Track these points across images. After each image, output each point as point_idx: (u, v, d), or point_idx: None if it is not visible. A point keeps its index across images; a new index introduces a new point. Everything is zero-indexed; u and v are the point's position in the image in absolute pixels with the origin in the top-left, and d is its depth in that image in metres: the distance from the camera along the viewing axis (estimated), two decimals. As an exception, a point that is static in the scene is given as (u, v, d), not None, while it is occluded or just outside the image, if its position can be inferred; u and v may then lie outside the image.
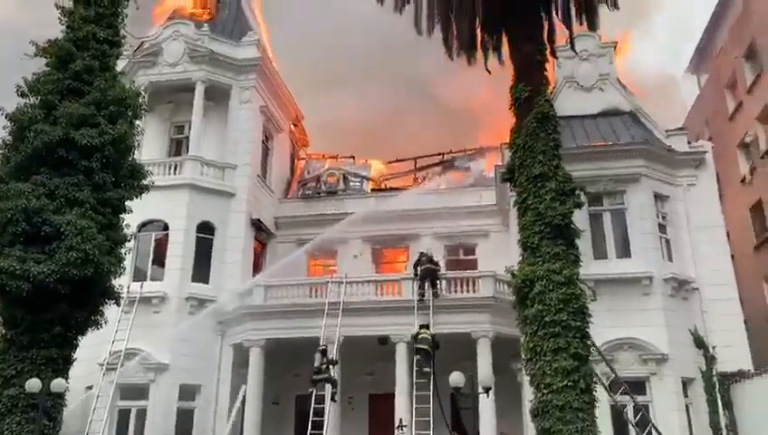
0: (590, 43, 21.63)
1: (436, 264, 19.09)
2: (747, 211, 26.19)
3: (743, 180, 26.42)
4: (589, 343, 10.40)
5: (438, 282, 18.61)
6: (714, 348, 17.99)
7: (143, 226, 21.19)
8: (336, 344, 18.37)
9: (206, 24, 24.53)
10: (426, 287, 18.48)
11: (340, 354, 18.77)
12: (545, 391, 10.00)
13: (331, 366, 17.21)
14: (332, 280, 19.64)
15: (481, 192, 24.42)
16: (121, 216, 14.12)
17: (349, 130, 42.90)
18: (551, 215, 10.60)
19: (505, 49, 13.13)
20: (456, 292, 19.20)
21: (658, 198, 19.35)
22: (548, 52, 12.91)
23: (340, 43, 44.20)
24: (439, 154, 27.97)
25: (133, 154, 13.82)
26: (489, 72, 13.61)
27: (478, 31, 13.41)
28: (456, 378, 12.23)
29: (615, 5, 12.83)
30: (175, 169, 22.20)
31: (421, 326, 17.25)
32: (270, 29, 29.01)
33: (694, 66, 32.48)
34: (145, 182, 13.97)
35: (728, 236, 28.20)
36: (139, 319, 19.55)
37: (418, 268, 18.84)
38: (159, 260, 21.18)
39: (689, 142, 20.39)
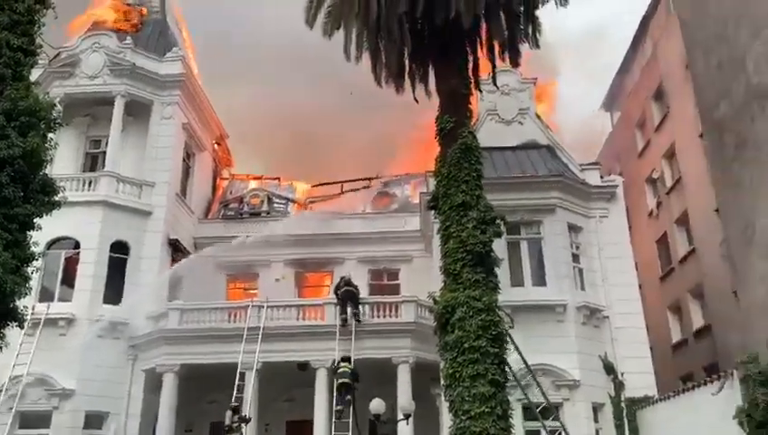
0: (511, 79, 22.46)
1: (356, 287, 19.02)
2: (654, 243, 27.70)
3: (650, 214, 27.95)
4: (507, 369, 10.62)
5: (360, 305, 18.55)
6: (622, 374, 18.71)
7: (53, 243, 20.26)
8: (254, 371, 17.97)
9: (129, 37, 23.83)
10: (348, 311, 18.38)
11: (258, 380, 18.44)
12: (463, 418, 10.12)
13: (243, 424, 16.43)
14: (253, 304, 19.25)
15: (405, 218, 24.69)
16: (29, 233, 13.36)
17: (278, 151, 42.54)
18: (472, 243, 10.86)
19: (432, 80, 13.44)
20: (378, 317, 19.24)
21: (572, 228, 20.14)
22: (473, 86, 13.31)
23: (265, 59, 43.91)
24: (366, 178, 28.16)
25: (45, 168, 13.17)
26: (417, 101, 13.91)
27: (406, 61, 13.71)
28: (376, 405, 12.21)
29: (536, 45, 13.40)
30: (89, 184, 21.32)
31: (342, 359, 17.04)
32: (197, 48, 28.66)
33: (607, 104, 34.29)
34: (57, 198, 13.31)
35: (637, 266, 29.98)
36: (44, 342, 18.61)
37: (338, 292, 18.77)
38: (69, 280, 20.23)
39: (602, 177, 21.38)
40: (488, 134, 21.76)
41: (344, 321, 18.24)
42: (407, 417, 12.54)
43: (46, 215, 12.89)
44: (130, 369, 19.68)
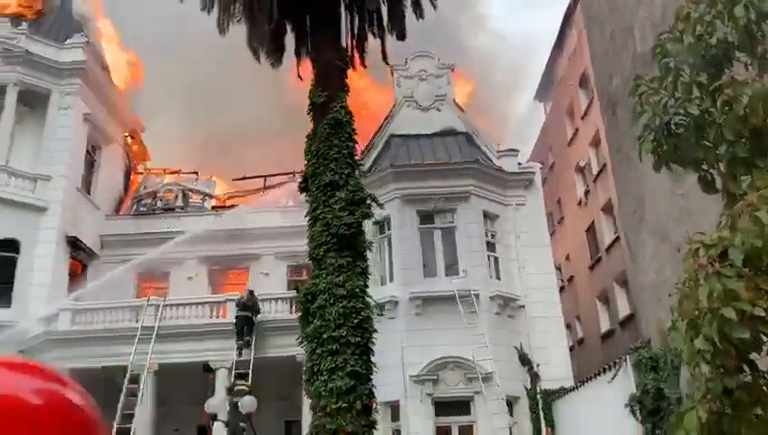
0: (428, 64, 21.85)
1: (253, 306, 17.69)
2: (584, 233, 27.31)
3: (579, 203, 27.56)
4: (370, 360, 9.74)
5: (254, 332, 17.35)
6: (538, 365, 18.12)
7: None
8: (145, 372, 16.80)
9: (24, 23, 22.38)
10: (243, 341, 17.19)
11: (158, 383, 17.31)
12: (319, 414, 9.22)
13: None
14: (149, 302, 18.07)
15: (325, 211, 23.70)
16: None
17: (203, 145, 41.12)
18: (336, 225, 9.96)
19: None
20: (292, 313, 18.25)
21: (487, 216, 19.49)
22: (356, 60, 12.44)
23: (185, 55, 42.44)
24: (290, 173, 27.09)
25: None
26: (301, 78, 13.00)
27: (284, 35, 12.80)
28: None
29: (421, 16, 12.59)
30: (-24, 179, 19.83)
31: (237, 376, 15.81)
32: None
33: (540, 94, 33.92)
34: None
35: (569, 257, 29.71)
36: None
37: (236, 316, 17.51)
38: (-49, 281, 18.72)
39: (519, 163, 20.78)
40: (405, 121, 21.16)
41: (240, 350, 17.09)
42: (247, 416, 11.57)
43: None
44: (19, 375, 18.25)
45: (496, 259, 19.31)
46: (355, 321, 9.51)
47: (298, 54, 13.03)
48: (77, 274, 21.63)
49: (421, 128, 20.98)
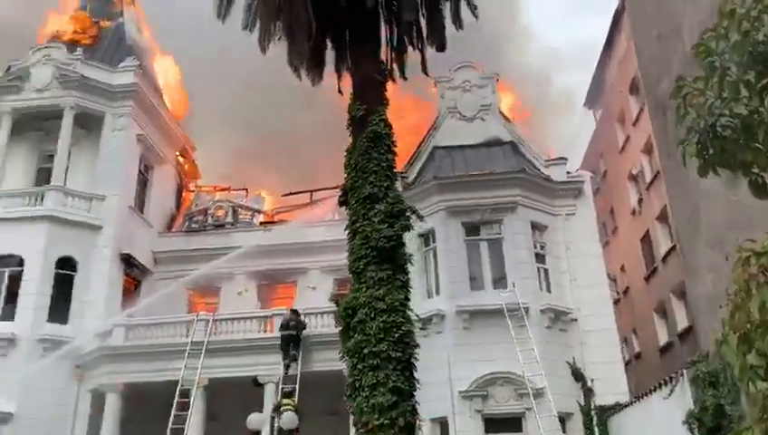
0: (472, 75, 21.64)
1: (299, 323, 17.69)
2: (639, 243, 26.44)
3: (633, 212, 26.72)
4: (413, 376, 9.55)
5: (300, 348, 17.32)
6: (592, 381, 17.51)
7: (-4, 260, 19.56)
8: (195, 387, 17.00)
9: (80, 49, 23.26)
10: (289, 356, 17.18)
11: (208, 397, 17.53)
12: (361, 431, 9.08)
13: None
14: (199, 318, 18.34)
15: (372, 224, 23.66)
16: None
17: (252, 161, 41.81)
18: (375, 238, 9.86)
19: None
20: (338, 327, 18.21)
21: (536, 227, 19.05)
22: (392, 73, 12.39)
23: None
24: (336, 187, 27.18)
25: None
26: (341, 93, 13.03)
27: (325, 50, 12.88)
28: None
29: (460, 26, 12.46)
30: (36, 199, 20.62)
31: (284, 394, 15.83)
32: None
33: (590, 101, 33.19)
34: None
35: (624, 268, 28.80)
36: (-16, 363, 17.79)
37: (282, 334, 17.54)
38: (13, 299, 19.42)
39: (568, 172, 20.28)
40: (449, 132, 20.97)
41: (287, 368, 17.09)
42: (289, 433, 11.47)
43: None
44: (76, 390, 18.81)
45: (546, 271, 18.83)
46: (396, 335, 9.35)
47: (338, 70, 13.07)
48: (131, 290, 22.19)
49: (466, 139, 20.74)
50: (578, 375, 17.60)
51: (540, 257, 18.90)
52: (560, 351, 17.68)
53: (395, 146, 11.07)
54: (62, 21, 25.97)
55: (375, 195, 10.30)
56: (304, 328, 17.72)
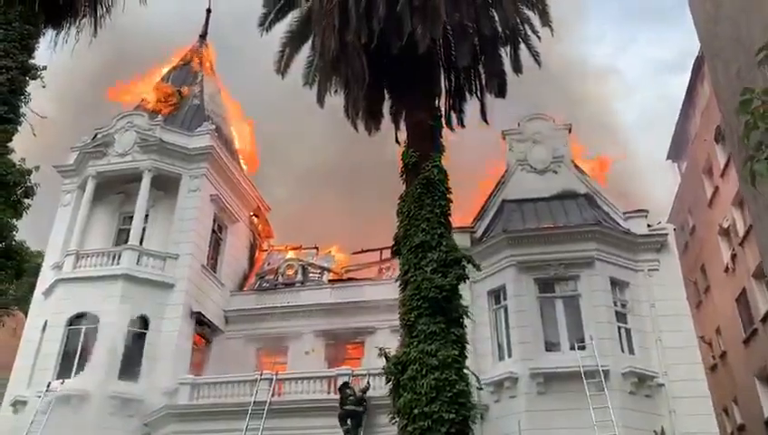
0: (543, 126, 20.99)
1: (361, 399, 16.43)
2: (734, 302, 24.30)
3: (726, 269, 24.70)
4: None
5: (360, 425, 16.26)
6: (685, 454, 15.77)
7: (75, 319, 20.12)
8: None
9: (160, 116, 24.40)
10: (350, 430, 16.14)
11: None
12: (412, 503, 8.26)
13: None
14: (261, 377, 18.02)
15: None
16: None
17: (325, 223, 42.16)
18: (427, 287, 9.25)
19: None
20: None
21: (616, 283, 17.79)
22: (449, 120, 12.03)
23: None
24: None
25: (11, 234, 12.90)
26: (398, 142, 12.78)
27: (386, 102, 12.74)
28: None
29: (519, 70, 12.03)
30: (114, 259, 21.29)
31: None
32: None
33: (673, 154, 31.61)
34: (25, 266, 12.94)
35: (719, 330, 26.48)
36: (56, 419, 18.04)
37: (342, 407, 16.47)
38: (87, 356, 19.82)
39: (649, 225, 18.98)
40: (519, 185, 20.25)
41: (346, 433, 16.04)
42: None
43: (9, 283, 12.52)
44: (143, 449, 18.73)
45: (628, 331, 17.43)
46: (449, 395, 8.59)
47: (395, 119, 12.88)
48: (201, 348, 22.27)
49: (537, 191, 19.96)
50: (668, 448, 15.89)
51: (621, 316, 17.57)
52: (645, 419, 16.08)
53: (449, 193, 10.57)
54: (146, 91, 27.47)
55: (427, 243, 9.78)
56: (362, 402, 16.55)
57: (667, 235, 18.70)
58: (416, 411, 8.60)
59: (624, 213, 19.29)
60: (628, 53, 70.32)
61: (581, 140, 22.83)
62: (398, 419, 9.12)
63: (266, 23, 13.63)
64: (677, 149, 30.94)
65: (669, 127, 31.37)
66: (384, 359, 9.96)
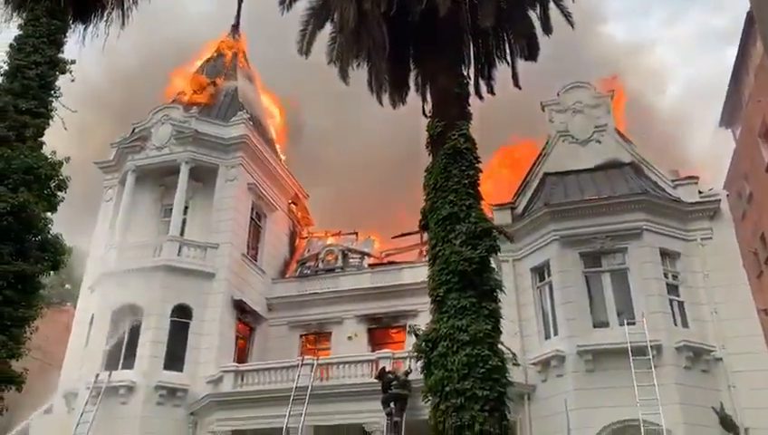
0: (583, 95, 20.10)
1: (406, 383, 15.49)
2: (797, 271, 22.97)
3: (787, 237, 23.35)
4: (505, 418, 8.20)
5: (404, 408, 15.43)
6: (747, 430, 14.91)
7: (119, 311, 20.37)
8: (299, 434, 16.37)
9: (195, 108, 24.45)
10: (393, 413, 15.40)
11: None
12: (448, 485, 7.86)
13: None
14: (303, 362, 17.87)
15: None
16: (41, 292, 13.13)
17: (364, 204, 41.95)
18: (455, 260, 8.78)
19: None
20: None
21: (666, 254, 16.94)
22: (478, 88, 11.47)
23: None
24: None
25: (46, 227, 12.98)
26: (425, 115, 12.28)
27: (411, 74, 12.27)
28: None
29: (549, 31, 11.37)
30: (155, 251, 21.46)
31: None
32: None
33: (726, 120, 30.02)
34: (61, 257, 13.02)
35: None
36: (105, 411, 18.36)
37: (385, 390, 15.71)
38: (133, 347, 20.06)
39: (700, 192, 17.98)
40: (561, 157, 19.52)
41: (389, 416, 15.32)
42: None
43: (45, 275, 12.62)
44: (191, 437, 18.88)
45: (681, 304, 16.59)
46: (482, 371, 8.13)
47: (421, 91, 12.38)
48: (244, 336, 22.33)
49: (580, 163, 19.17)
50: (728, 424, 15.06)
51: (672, 289, 16.74)
52: (702, 395, 15.30)
53: (478, 162, 10.02)
54: (182, 83, 27.63)
55: (455, 214, 9.30)
56: (406, 385, 15.80)
57: (719, 201, 17.72)
58: (448, 389, 8.19)
59: (673, 181, 18.34)
60: (680, 21, 67.42)
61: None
62: (430, 397, 8.73)
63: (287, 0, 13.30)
64: (731, 115, 29.37)
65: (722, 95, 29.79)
66: (414, 337, 9.57)
